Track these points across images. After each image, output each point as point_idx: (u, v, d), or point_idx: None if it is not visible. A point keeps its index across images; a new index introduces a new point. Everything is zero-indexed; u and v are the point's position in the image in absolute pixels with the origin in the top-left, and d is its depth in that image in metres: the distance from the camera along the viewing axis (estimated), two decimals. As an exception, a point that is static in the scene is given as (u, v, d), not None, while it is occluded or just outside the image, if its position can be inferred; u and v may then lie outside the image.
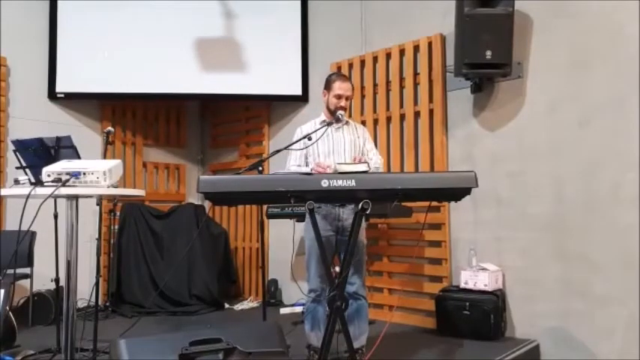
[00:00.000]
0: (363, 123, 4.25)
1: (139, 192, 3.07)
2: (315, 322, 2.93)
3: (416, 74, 4.23)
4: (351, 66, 4.64)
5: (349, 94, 3.00)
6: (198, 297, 4.79)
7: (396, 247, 4.28)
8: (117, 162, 2.61)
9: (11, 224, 4.24)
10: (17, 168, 3.05)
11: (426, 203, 2.70)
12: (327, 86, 3.03)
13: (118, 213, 4.77)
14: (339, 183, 2.18)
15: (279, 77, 5.08)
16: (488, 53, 3.49)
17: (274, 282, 5.09)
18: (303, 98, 5.06)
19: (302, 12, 5.07)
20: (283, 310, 4.63)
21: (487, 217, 3.80)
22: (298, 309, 4.42)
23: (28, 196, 2.31)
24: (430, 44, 4.13)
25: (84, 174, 2.42)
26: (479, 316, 3.52)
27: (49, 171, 2.42)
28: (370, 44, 4.56)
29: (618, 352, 3.18)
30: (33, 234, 3.93)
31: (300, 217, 3.87)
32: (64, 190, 2.37)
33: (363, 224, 2.80)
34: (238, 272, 5.49)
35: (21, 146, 3.02)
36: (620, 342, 3.19)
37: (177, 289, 4.79)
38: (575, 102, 3.45)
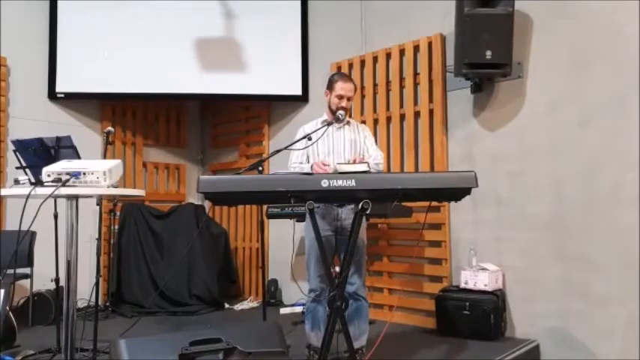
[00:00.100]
0: (363, 123, 4.24)
1: (139, 192, 3.07)
2: (315, 322, 2.93)
3: (416, 74, 4.23)
4: (351, 66, 4.64)
5: (351, 95, 3.00)
6: (198, 297, 4.79)
7: (396, 247, 4.28)
8: (117, 162, 2.61)
9: (11, 224, 4.23)
10: (17, 168, 3.05)
11: (426, 203, 2.70)
12: (330, 86, 3.04)
13: (118, 213, 4.77)
14: (339, 183, 2.18)
15: (279, 77, 5.08)
16: (488, 53, 3.49)
17: (274, 282, 5.09)
18: (303, 98, 5.06)
19: (302, 12, 5.07)
20: (283, 310, 4.63)
21: (487, 217, 3.80)
22: (298, 309, 4.42)
23: (28, 196, 2.31)
24: (430, 44, 4.13)
25: (84, 174, 2.42)
26: (479, 316, 3.52)
27: (49, 171, 2.42)
28: (370, 44, 4.56)
29: (618, 352, 3.18)
30: (33, 234, 3.92)
31: (300, 217, 3.87)
32: (64, 190, 2.37)
33: (364, 224, 2.80)
34: (238, 272, 5.49)
35: (21, 146, 3.02)
36: (620, 342, 3.19)
37: (177, 289, 4.79)
38: (575, 102, 3.45)
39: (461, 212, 3.90)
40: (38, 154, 2.94)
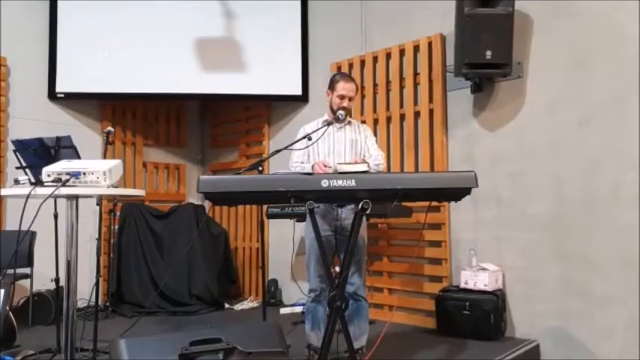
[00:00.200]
0: (363, 123, 4.24)
1: (139, 192, 3.07)
2: (315, 322, 2.93)
3: (416, 74, 4.23)
4: (351, 66, 4.64)
5: (352, 95, 3.00)
6: (198, 297, 4.79)
7: (396, 247, 4.28)
8: (117, 162, 2.61)
9: (11, 224, 4.23)
10: (17, 168, 3.05)
11: (426, 203, 2.70)
12: (331, 86, 3.04)
13: (118, 213, 4.77)
14: (339, 183, 2.18)
15: (279, 77, 5.08)
16: (488, 53, 3.49)
17: (274, 282, 5.09)
18: (303, 98, 5.06)
19: (302, 12, 5.07)
20: (283, 310, 4.63)
21: (487, 217, 3.80)
22: (298, 309, 4.42)
23: (28, 196, 2.31)
24: (430, 44, 4.13)
25: (84, 174, 2.42)
26: (479, 316, 3.52)
27: (49, 171, 2.42)
28: (370, 44, 4.56)
29: (618, 352, 3.18)
30: (33, 234, 3.92)
31: (300, 217, 3.87)
32: (64, 190, 2.37)
33: (364, 223, 2.80)
34: (238, 272, 5.49)
35: (21, 146, 3.02)
36: (620, 342, 3.19)
37: (177, 289, 4.79)
38: (575, 102, 3.45)
39: (461, 212, 3.90)
40: (38, 154, 2.94)
